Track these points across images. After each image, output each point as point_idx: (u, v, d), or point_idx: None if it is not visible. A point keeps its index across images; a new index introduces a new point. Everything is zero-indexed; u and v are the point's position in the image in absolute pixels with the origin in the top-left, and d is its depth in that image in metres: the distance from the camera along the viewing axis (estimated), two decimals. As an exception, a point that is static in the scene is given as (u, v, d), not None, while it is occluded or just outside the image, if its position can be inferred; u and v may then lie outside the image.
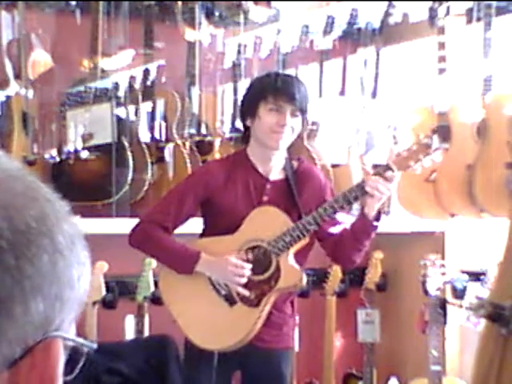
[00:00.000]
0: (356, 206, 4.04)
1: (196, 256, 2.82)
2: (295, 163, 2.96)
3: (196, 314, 2.88)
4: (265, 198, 2.88)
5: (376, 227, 2.84)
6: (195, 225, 2.97)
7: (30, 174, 0.68)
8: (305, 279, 2.84)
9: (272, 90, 2.81)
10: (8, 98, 3.79)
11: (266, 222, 2.83)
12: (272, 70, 4.16)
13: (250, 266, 2.80)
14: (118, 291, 3.78)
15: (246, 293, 2.81)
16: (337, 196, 2.82)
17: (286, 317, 2.94)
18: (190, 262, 2.82)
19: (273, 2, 4.23)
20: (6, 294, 0.61)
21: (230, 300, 2.85)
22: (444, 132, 3.67)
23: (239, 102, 3.06)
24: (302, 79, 3.41)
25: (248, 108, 2.90)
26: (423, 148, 2.79)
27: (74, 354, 0.68)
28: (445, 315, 3.53)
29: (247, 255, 2.84)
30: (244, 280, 2.80)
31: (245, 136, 2.97)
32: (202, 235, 2.95)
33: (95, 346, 0.69)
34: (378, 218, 2.81)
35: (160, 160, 3.90)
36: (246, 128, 2.93)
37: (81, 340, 0.68)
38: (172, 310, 2.91)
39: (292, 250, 2.81)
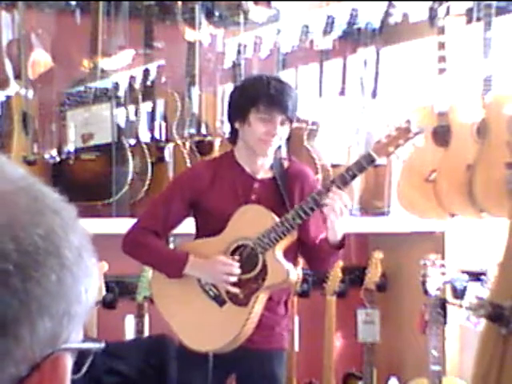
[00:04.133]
0: (356, 206, 4.05)
1: (184, 259, 2.82)
2: (286, 163, 2.96)
3: (187, 316, 2.88)
4: (253, 197, 2.87)
5: (336, 254, 2.84)
6: (193, 225, 2.96)
7: (35, 181, 0.66)
8: (293, 275, 2.81)
9: (265, 98, 2.77)
10: (8, 97, 3.79)
11: (250, 221, 2.82)
12: (270, 71, 4.17)
13: (237, 264, 2.80)
14: (118, 291, 3.78)
15: (236, 290, 2.80)
16: (317, 189, 2.82)
17: (277, 318, 2.93)
18: (178, 265, 2.83)
19: (273, 2, 4.23)
20: (12, 316, 0.60)
21: (219, 301, 2.85)
22: (444, 132, 3.67)
23: (228, 101, 3.02)
24: (301, 79, 3.41)
25: (238, 112, 2.88)
26: (403, 133, 2.78)
27: (80, 354, 0.68)
28: (445, 315, 3.53)
29: (234, 254, 2.84)
30: (233, 278, 2.80)
31: (232, 137, 2.95)
32: (195, 237, 2.95)
33: (103, 344, 0.69)
34: (339, 246, 2.80)
35: (160, 160, 3.90)
36: (234, 129, 2.91)
37: (88, 345, 0.68)
38: (163, 312, 2.92)
39: (278, 247, 2.80)
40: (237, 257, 2.83)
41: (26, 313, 0.61)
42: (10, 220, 0.61)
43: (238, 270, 2.80)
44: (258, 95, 2.79)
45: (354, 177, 2.76)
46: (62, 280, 0.63)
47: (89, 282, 0.66)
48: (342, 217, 2.71)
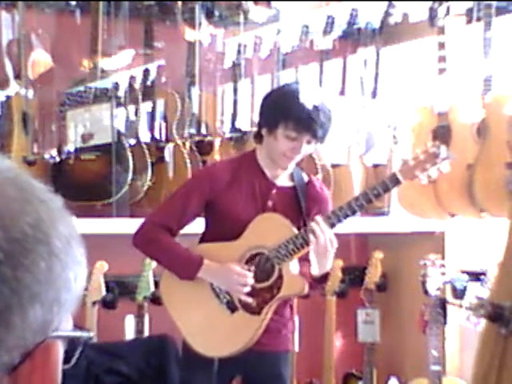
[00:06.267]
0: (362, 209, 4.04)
1: (199, 262, 2.78)
2: (306, 176, 2.93)
3: (196, 319, 2.85)
4: (269, 203, 2.83)
5: (316, 286, 2.84)
6: (197, 225, 2.94)
7: (22, 172, 0.66)
8: (307, 288, 2.79)
9: (295, 119, 2.71)
10: (8, 97, 3.79)
11: (269, 229, 2.79)
12: (270, 71, 4.17)
13: (252, 274, 2.77)
14: (118, 291, 3.78)
15: (249, 300, 2.78)
16: (340, 206, 2.77)
17: (284, 320, 2.91)
18: (192, 267, 2.78)
19: (273, 2, 4.23)
20: (4, 304, 0.60)
21: (231, 307, 2.82)
22: (444, 132, 3.67)
23: (261, 103, 2.92)
24: (301, 79, 3.37)
25: (266, 121, 2.82)
26: (431, 157, 2.74)
27: (70, 343, 0.68)
28: (445, 315, 3.53)
29: (250, 263, 2.80)
30: (247, 289, 2.76)
31: (257, 136, 2.89)
32: (202, 237, 2.92)
33: (91, 334, 0.69)
34: (321, 280, 2.78)
35: (160, 160, 3.90)
36: (260, 131, 2.86)
37: (77, 333, 0.68)
38: (172, 313, 2.89)
39: (295, 258, 2.77)
40: (252, 267, 2.79)
41: (17, 300, 0.61)
42: (0, 210, 0.61)
43: (251, 281, 2.76)
44: (289, 113, 2.73)
45: (378, 196, 2.73)
46: (51, 267, 0.63)
47: (77, 270, 0.67)
48: (325, 255, 2.70)
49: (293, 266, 2.79)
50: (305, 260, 2.78)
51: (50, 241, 0.64)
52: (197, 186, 2.86)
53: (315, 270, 2.74)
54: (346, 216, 2.72)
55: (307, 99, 2.74)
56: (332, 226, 2.71)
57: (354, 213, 2.73)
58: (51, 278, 0.63)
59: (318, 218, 2.71)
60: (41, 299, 0.63)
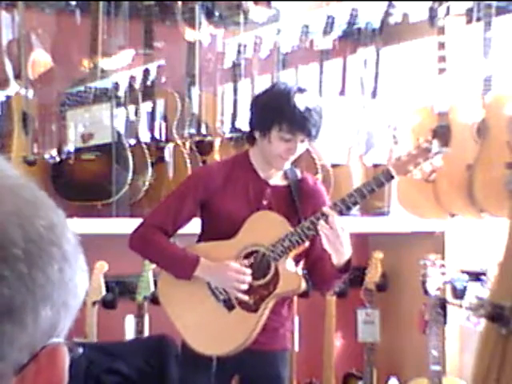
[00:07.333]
0: (356, 206, 4.05)
1: (195, 261, 2.79)
2: (300, 174, 2.93)
3: (194, 318, 2.86)
4: (264, 202, 2.84)
5: (339, 277, 2.79)
6: (195, 225, 2.95)
7: (31, 180, 0.69)
8: (304, 285, 2.81)
9: (288, 120, 2.71)
10: (8, 98, 3.79)
11: (265, 227, 2.80)
12: (270, 71, 4.17)
13: (249, 271, 2.78)
14: (118, 291, 3.78)
15: (245, 298, 2.79)
16: (333, 202, 2.79)
17: (281, 319, 2.91)
18: (188, 267, 2.79)
19: (273, 2, 4.23)
20: (19, 302, 0.62)
21: (228, 305, 2.82)
22: (444, 132, 3.67)
23: (250, 106, 2.90)
24: (301, 79, 3.37)
25: (259, 124, 2.82)
26: (423, 152, 2.77)
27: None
28: (445, 315, 3.54)
29: (246, 260, 2.81)
30: (245, 286, 2.77)
31: (250, 138, 2.91)
32: (199, 238, 2.93)
33: (81, 350, 0.70)
34: (345, 269, 2.75)
35: (160, 160, 3.90)
36: (252, 134, 2.87)
37: (71, 343, 0.69)
38: (170, 313, 2.89)
39: (291, 255, 2.78)
40: (248, 262, 2.80)
41: (31, 299, 0.62)
42: (17, 210, 0.63)
43: (249, 278, 2.77)
44: (282, 115, 2.73)
45: (371, 191, 2.74)
46: (63, 270, 0.65)
47: (83, 277, 0.69)
48: (336, 242, 2.67)
49: (289, 264, 2.79)
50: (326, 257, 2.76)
51: (61, 244, 0.65)
52: (191, 187, 2.87)
53: (335, 260, 2.71)
54: (340, 212, 2.72)
55: (298, 99, 2.74)
56: (340, 213, 2.71)
57: (348, 209, 2.74)
58: (62, 280, 0.65)
59: (326, 208, 2.71)
60: (52, 300, 0.64)
